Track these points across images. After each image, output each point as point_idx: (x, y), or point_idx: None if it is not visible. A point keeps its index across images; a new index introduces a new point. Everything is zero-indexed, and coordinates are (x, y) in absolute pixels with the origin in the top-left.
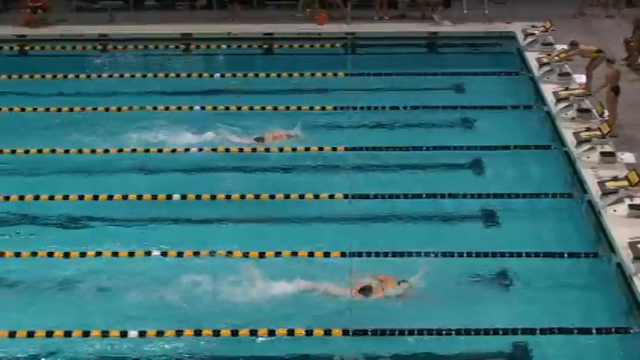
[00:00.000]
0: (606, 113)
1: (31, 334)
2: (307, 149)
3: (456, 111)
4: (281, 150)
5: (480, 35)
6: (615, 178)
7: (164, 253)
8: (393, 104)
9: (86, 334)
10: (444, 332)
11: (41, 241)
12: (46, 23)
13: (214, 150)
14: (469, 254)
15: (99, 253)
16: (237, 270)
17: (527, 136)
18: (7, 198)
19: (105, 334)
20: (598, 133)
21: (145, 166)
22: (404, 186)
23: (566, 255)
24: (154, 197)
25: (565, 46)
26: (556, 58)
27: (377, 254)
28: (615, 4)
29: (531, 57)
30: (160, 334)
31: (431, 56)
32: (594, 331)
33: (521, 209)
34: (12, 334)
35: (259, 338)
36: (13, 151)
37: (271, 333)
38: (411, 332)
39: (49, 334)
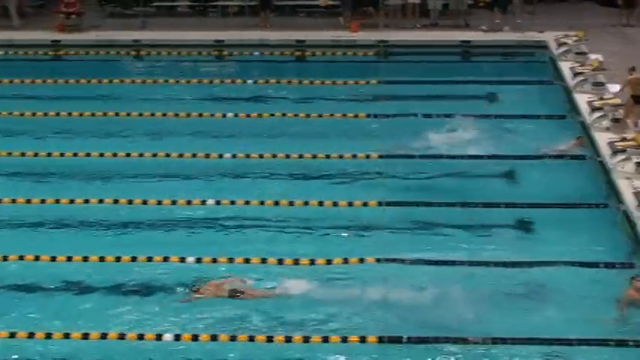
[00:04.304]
0: None
1: None
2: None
3: (489, 119)
4: None
5: (513, 44)
6: None
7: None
8: (427, 112)
9: None
10: None
11: None
12: (79, 29)
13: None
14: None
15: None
16: None
17: (560, 146)
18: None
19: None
20: (633, 143)
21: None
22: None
23: (602, 265)
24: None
25: (597, 56)
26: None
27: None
28: None
29: (565, 66)
30: None
31: (464, 64)
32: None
33: (556, 218)
34: None
35: None
36: (49, 154)
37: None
38: None
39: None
